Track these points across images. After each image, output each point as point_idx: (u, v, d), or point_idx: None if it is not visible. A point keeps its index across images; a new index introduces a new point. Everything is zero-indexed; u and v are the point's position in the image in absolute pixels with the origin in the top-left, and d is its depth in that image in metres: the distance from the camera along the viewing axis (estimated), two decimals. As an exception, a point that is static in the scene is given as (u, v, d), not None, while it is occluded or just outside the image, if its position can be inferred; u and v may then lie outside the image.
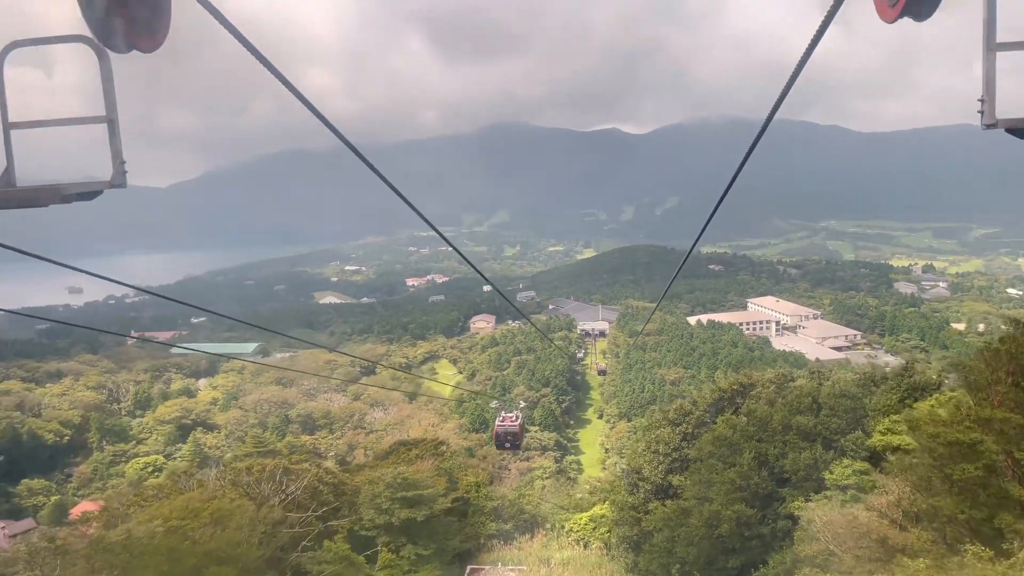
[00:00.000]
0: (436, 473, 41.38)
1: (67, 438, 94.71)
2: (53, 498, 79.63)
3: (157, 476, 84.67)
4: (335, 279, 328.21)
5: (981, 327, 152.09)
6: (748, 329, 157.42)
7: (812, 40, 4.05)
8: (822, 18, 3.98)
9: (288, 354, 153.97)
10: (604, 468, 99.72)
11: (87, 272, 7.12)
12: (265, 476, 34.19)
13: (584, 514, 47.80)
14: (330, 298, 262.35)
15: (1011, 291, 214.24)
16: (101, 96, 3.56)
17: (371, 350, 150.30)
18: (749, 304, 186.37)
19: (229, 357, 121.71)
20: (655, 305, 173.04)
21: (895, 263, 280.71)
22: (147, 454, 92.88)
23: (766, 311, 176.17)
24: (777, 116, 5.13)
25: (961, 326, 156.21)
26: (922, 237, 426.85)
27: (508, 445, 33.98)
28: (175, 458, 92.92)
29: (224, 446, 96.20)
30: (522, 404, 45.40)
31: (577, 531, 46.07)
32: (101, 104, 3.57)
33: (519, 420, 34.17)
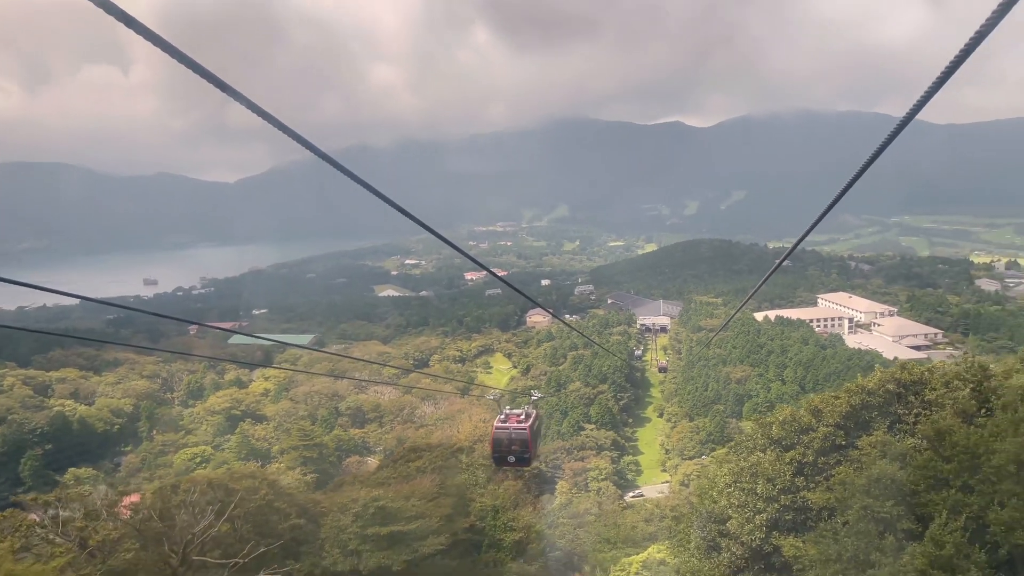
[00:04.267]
0: (438, 493, 32.48)
1: (117, 427, 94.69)
2: (100, 487, 79.09)
3: (204, 467, 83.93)
4: (395, 272, 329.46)
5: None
6: (819, 326, 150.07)
7: (978, 32, 3.52)
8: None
9: (342, 346, 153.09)
10: (664, 470, 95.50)
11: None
12: (184, 500, 23.83)
13: (637, 558, 35.10)
14: (389, 291, 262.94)
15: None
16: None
17: (425, 343, 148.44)
18: (819, 300, 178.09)
19: (284, 344, 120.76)
20: (721, 300, 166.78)
21: (975, 260, 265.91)
22: (195, 445, 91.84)
23: (838, 307, 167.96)
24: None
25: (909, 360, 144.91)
26: (1004, 233, 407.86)
27: (512, 459, 20.86)
28: (223, 449, 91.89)
29: (272, 438, 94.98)
30: (536, 396, 26.97)
31: None
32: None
33: (532, 422, 21.17)
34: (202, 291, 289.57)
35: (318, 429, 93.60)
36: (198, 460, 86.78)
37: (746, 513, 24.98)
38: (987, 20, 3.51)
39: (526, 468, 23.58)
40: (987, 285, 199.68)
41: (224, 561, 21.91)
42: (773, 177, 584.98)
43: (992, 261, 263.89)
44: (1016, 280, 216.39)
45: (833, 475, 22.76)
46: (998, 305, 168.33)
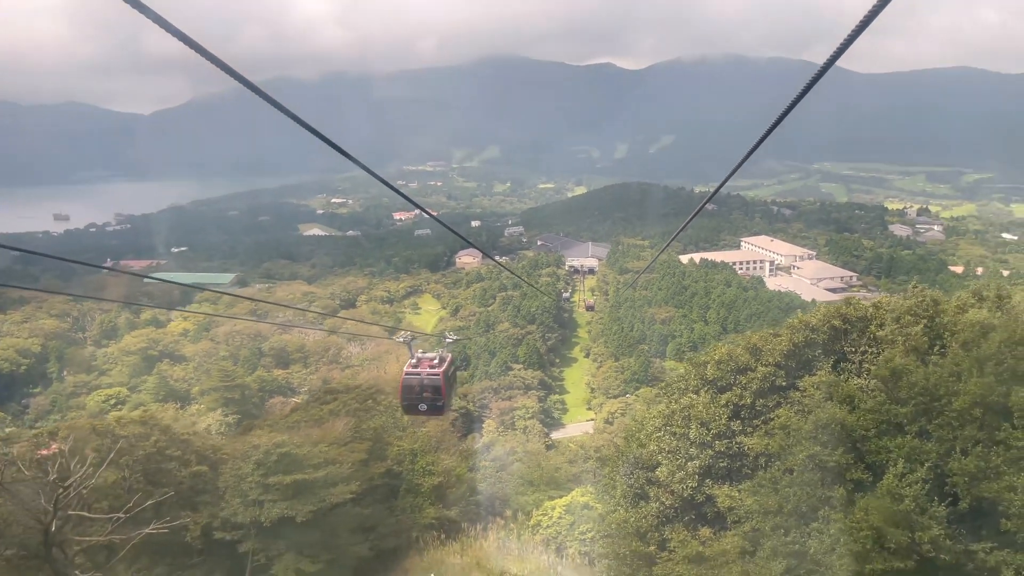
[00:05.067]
0: (352, 437, 30.73)
1: (24, 368, 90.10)
2: (8, 430, 75.39)
3: (120, 408, 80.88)
4: (320, 211, 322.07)
5: (979, 270, 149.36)
6: (741, 269, 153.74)
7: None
8: None
9: (265, 285, 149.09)
10: (589, 408, 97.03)
11: None
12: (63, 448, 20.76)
13: (560, 501, 33.82)
14: (315, 230, 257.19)
15: (1005, 235, 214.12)
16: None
17: (352, 283, 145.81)
18: (743, 243, 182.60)
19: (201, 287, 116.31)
20: (648, 242, 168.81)
21: (889, 206, 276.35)
22: (110, 386, 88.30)
23: (760, 251, 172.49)
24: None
25: (959, 269, 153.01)
26: (916, 181, 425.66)
27: (424, 407, 18.70)
28: (139, 390, 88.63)
29: (192, 379, 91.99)
30: (450, 339, 23.86)
31: (548, 527, 31.96)
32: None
33: (445, 367, 18.96)
34: (117, 228, 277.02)
35: (240, 370, 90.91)
36: (112, 402, 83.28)
37: (677, 460, 23.26)
38: None
39: (439, 416, 21.73)
40: (900, 230, 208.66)
41: (108, 516, 19.64)
42: (702, 122, 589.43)
43: (905, 207, 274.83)
44: (926, 226, 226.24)
45: (772, 419, 21.19)
46: (909, 250, 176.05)
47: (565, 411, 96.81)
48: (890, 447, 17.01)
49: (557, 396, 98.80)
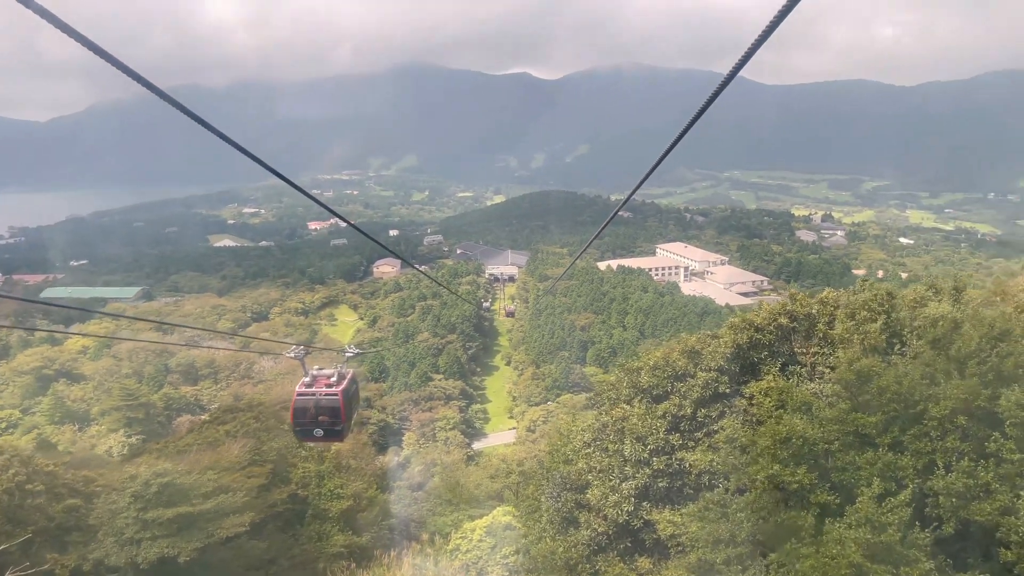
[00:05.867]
0: (251, 461, 27.93)
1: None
2: None
3: (12, 432, 75.45)
4: (232, 221, 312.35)
5: (880, 273, 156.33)
6: (657, 275, 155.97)
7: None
8: None
9: (172, 299, 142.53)
10: (511, 416, 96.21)
11: None
12: None
13: (480, 522, 31.11)
14: (225, 241, 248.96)
15: (902, 240, 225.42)
16: None
17: (265, 295, 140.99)
18: (658, 250, 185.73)
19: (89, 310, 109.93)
20: (567, 250, 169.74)
21: (796, 212, 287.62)
22: (1, 408, 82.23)
23: (675, 257, 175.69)
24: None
25: (862, 272, 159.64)
26: (819, 188, 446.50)
27: (320, 433, 16.08)
28: (33, 412, 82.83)
29: (91, 398, 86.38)
30: (350, 353, 17.87)
31: (467, 551, 29.08)
32: None
33: (345, 385, 16.35)
34: (10, 241, 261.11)
35: (144, 388, 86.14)
36: (3, 425, 77.72)
37: (610, 480, 20.77)
38: None
39: (338, 442, 18.09)
40: (806, 236, 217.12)
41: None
42: (616, 131, 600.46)
43: (810, 214, 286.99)
44: (830, 231, 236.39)
45: (716, 431, 19.04)
46: (815, 254, 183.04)
47: (487, 420, 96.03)
48: (860, 463, 14.81)
49: (479, 405, 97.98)
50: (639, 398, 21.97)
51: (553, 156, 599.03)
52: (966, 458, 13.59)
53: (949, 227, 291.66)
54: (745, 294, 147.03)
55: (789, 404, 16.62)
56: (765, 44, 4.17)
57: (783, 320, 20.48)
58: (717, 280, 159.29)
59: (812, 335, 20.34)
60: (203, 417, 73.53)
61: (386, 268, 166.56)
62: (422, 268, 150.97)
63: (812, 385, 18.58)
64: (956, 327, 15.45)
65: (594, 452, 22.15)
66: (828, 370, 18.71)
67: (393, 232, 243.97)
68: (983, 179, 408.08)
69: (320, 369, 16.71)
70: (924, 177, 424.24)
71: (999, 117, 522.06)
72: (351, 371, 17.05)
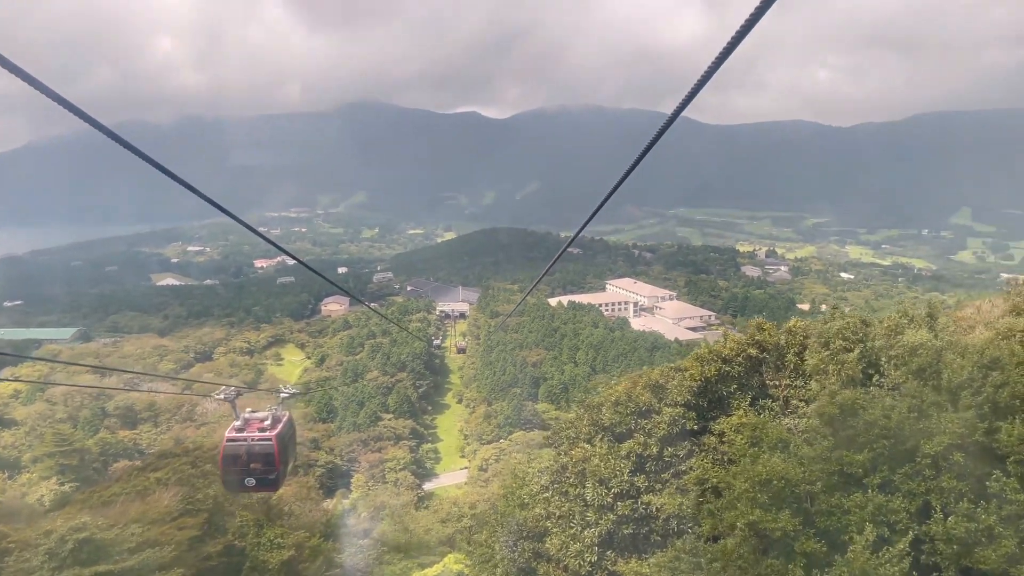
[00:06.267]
0: (183, 511, 26.04)
1: None
2: None
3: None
4: (176, 260, 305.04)
5: (824, 307, 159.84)
6: (608, 310, 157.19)
7: (732, 38, 3.96)
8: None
9: (111, 340, 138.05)
10: (463, 455, 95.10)
11: None
12: None
13: (429, 572, 30.71)
14: (168, 279, 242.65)
15: (843, 275, 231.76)
16: None
17: (209, 334, 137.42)
18: (608, 285, 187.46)
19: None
20: (518, 286, 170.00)
21: (741, 248, 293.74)
22: (-81, 458, 77.71)
23: (624, 292, 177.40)
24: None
25: (806, 306, 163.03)
26: (763, 225, 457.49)
27: (252, 482, 14.71)
28: (-43, 461, 78.50)
29: (23, 445, 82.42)
30: (286, 394, 17.06)
31: None
32: None
33: (280, 429, 15.08)
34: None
35: (79, 433, 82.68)
36: (-76, 476, 73.34)
37: (571, 527, 19.22)
38: (735, 34, 3.86)
39: (272, 491, 16.44)
40: (751, 271, 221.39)
41: None
42: (566, 169, 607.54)
43: (754, 250, 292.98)
44: (774, 267, 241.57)
45: (685, 471, 17.86)
46: (760, 289, 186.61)
47: (438, 460, 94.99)
48: (848, 506, 13.48)
49: (430, 445, 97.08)
50: (601, 436, 20.61)
51: (503, 194, 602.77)
52: (965, 499, 12.40)
53: (887, 262, 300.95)
54: (693, 329, 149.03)
55: (765, 441, 15.45)
56: (708, 85, 4.24)
57: (752, 351, 19.53)
58: (666, 315, 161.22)
59: (783, 367, 19.31)
60: (134, 463, 70.74)
61: (334, 306, 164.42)
62: (372, 305, 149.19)
63: (787, 420, 17.51)
64: (938, 355, 14.64)
65: (553, 496, 20.63)
66: (803, 404, 17.53)
67: (342, 269, 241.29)
68: (917, 216, 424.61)
69: (253, 412, 15.72)
70: (862, 214, 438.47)
71: (929, 157, 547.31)
72: (287, 413, 15.99)
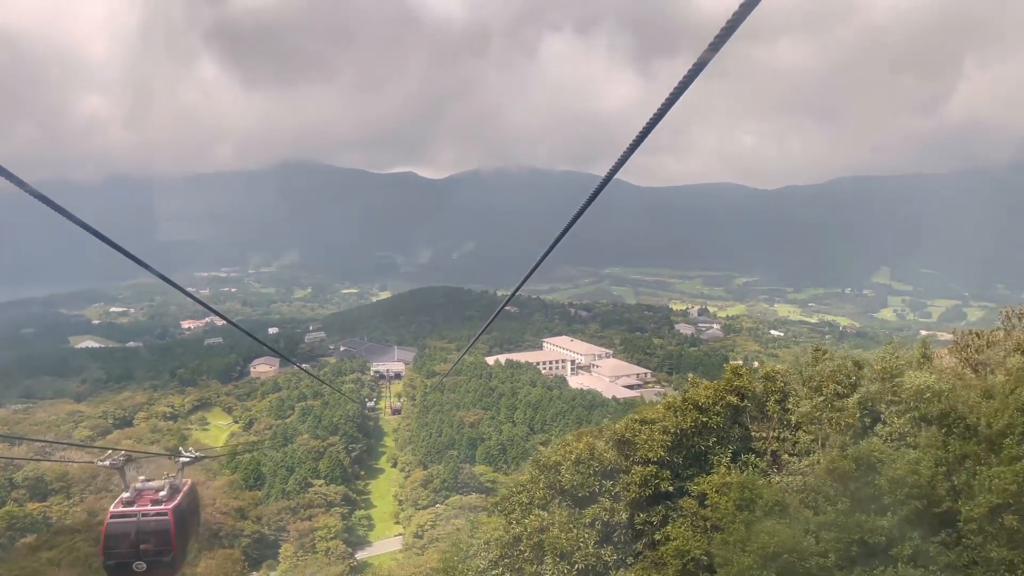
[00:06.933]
0: None
1: None
2: None
3: None
4: (97, 321, 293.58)
5: (756, 364, 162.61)
6: (545, 368, 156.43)
7: (665, 102, 4.12)
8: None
9: (23, 406, 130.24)
10: (397, 522, 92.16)
11: None
12: None
13: None
14: (88, 342, 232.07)
15: (773, 332, 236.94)
16: None
17: (129, 399, 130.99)
18: (545, 344, 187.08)
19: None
20: (455, 345, 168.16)
21: (674, 307, 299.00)
22: None
23: (561, 350, 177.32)
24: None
25: (739, 362, 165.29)
26: (694, 284, 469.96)
27: (143, 566, 12.14)
28: None
29: (-86, 522, 76.16)
30: (186, 457, 14.72)
31: None
32: None
33: (179, 501, 13.06)
34: None
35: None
36: None
37: None
38: (664, 101, 4.04)
39: (171, 572, 12.97)
40: (684, 329, 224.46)
41: None
42: (502, 229, 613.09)
43: (687, 308, 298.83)
44: (706, 325, 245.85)
45: (660, 540, 15.36)
46: (695, 347, 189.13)
47: (372, 527, 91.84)
48: None
49: (363, 511, 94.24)
50: (559, 501, 17.91)
51: (440, 253, 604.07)
52: (1020, 572, 9.83)
53: (814, 320, 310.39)
54: (630, 386, 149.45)
55: (757, 504, 13.08)
56: (639, 148, 4.40)
57: (732, 398, 17.30)
58: (603, 373, 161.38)
59: (765, 416, 17.31)
60: (26, 541, 65.64)
61: (264, 367, 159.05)
62: (303, 366, 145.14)
63: (779, 478, 15.25)
64: (952, 399, 12.53)
65: (504, 573, 17.62)
66: (794, 458, 15.38)
67: (273, 329, 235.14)
68: (841, 275, 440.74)
69: (146, 480, 13.83)
70: (789, 273, 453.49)
71: (851, 218, 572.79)
72: (188, 481, 13.99)
